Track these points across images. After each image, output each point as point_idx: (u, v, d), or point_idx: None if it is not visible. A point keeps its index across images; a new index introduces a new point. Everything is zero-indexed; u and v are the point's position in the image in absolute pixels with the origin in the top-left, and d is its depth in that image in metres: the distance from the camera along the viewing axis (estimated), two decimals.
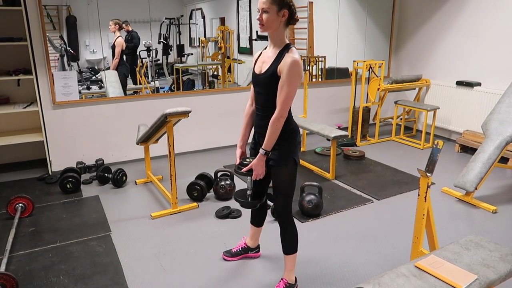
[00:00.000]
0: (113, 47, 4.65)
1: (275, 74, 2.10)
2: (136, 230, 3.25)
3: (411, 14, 6.02)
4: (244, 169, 2.25)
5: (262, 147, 2.19)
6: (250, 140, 2.49)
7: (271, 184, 2.40)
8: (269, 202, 2.79)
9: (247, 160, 2.30)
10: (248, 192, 2.38)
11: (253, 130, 2.42)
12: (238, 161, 2.34)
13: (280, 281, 2.46)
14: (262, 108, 2.23)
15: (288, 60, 2.05)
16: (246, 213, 3.40)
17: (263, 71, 2.18)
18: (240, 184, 4.03)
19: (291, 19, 2.12)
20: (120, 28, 4.57)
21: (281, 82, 2.08)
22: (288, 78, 2.06)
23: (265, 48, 2.27)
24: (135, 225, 3.33)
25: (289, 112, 2.21)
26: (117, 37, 4.62)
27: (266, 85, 2.16)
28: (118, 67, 4.74)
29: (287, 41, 2.15)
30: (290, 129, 2.22)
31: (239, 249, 2.78)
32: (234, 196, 2.42)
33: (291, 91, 2.08)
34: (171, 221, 3.41)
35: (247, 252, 2.78)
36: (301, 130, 4.35)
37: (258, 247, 2.80)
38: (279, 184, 2.29)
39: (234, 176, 3.92)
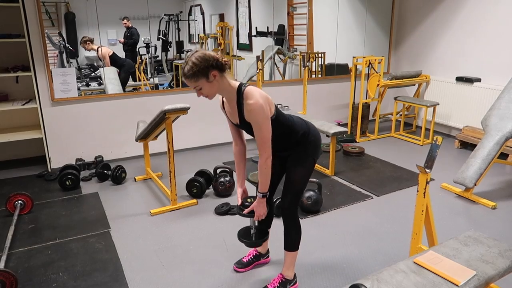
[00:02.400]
0: (101, 59, 4.63)
1: (247, 123, 2.10)
2: (135, 227, 3.25)
3: (411, 9, 6.00)
4: (245, 210, 2.28)
5: (258, 190, 2.21)
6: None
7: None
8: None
9: (248, 201, 2.32)
10: (252, 231, 2.41)
11: None
12: (239, 201, 2.37)
13: (277, 276, 2.46)
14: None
15: (247, 108, 2.03)
16: None
17: (238, 123, 2.19)
18: None
19: (222, 69, 2.02)
20: (92, 41, 4.48)
21: (253, 128, 2.09)
22: (256, 125, 2.05)
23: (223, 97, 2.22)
24: (134, 222, 3.33)
25: (290, 124, 2.22)
26: (98, 49, 4.54)
27: (249, 130, 2.16)
28: (121, 66, 4.74)
29: (235, 85, 2.08)
30: (300, 136, 2.24)
31: (250, 257, 2.71)
32: (238, 236, 2.44)
33: (264, 133, 2.06)
34: (171, 217, 3.41)
35: (259, 259, 2.72)
36: None
37: (268, 252, 2.76)
38: (292, 183, 2.30)
39: (234, 173, 3.91)
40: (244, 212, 2.29)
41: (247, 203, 2.30)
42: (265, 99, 2.05)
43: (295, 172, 2.28)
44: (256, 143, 2.12)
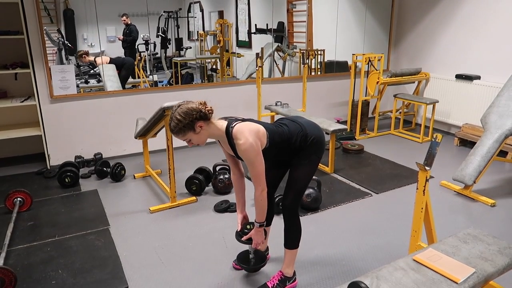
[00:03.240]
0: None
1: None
2: (134, 224, 3.25)
3: (411, 7, 5.99)
4: (244, 238, 2.34)
5: (256, 220, 2.25)
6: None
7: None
8: None
9: (248, 227, 2.38)
10: (251, 256, 2.49)
11: None
12: (239, 227, 2.42)
13: (276, 273, 2.46)
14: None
15: (239, 148, 2.06)
16: None
17: (235, 155, 2.22)
18: None
19: (207, 118, 2.07)
20: (88, 54, 4.51)
21: (246, 164, 2.12)
22: (248, 162, 2.08)
23: None
24: (133, 219, 3.33)
25: (286, 136, 2.22)
26: (95, 61, 4.57)
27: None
28: (122, 65, 4.73)
29: (223, 127, 2.12)
30: (299, 141, 2.23)
31: None
32: (237, 260, 2.56)
33: (256, 169, 2.09)
34: (170, 215, 3.41)
35: None
36: None
37: (267, 249, 2.77)
38: (295, 180, 2.31)
39: None
40: (242, 239, 2.36)
41: (246, 230, 2.37)
42: (254, 135, 2.07)
43: (299, 170, 2.29)
44: (251, 177, 2.16)
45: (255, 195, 2.18)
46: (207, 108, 2.07)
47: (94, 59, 4.53)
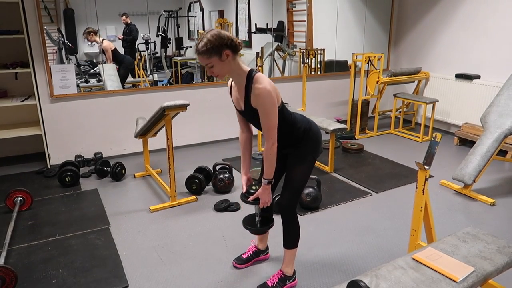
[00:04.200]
0: (103, 52, 4.61)
1: (253, 109, 2.09)
2: (135, 223, 3.25)
3: (411, 6, 5.99)
4: (250, 198, 2.27)
5: (264, 177, 2.20)
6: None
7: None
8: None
9: (253, 188, 2.32)
10: (257, 218, 2.41)
11: None
12: (244, 189, 2.36)
13: (276, 272, 2.47)
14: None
15: (255, 93, 2.02)
16: (245, 206, 3.41)
17: (242, 108, 2.18)
18: (239, 177, 4.03)
19: (236, 50, 2.03)
20: (96, 33, 4.45)
21: (259, 115, 2.07)
22: (263, 111, 2.04)
23: (232, 80, 2.22)
24: (134, 218, 3.33)
25: (293, 119, 2.21)
26: (101, 43, 4.53)
27: (254, 118, 2.16)
28: (121, 62, 4.73)
29: (247, 70, 2.08)
30: (301, 132, 2.23)
31: (250, 254, 2.71)
32: (243, 223, 2.46)
33: (271, 120, 2.06)
34: (170, 214, 3.41)
35: (259, 255, 2.72)
36: None
37: (267, 248, 2.77)
38: (292, 180, 2.29)
39: (233, 169, 3.92)
40: (249, 199, 2.28)
41: (252, 191, 2.29)
42: (273, 87, 2.05)
43: (295, 169, 2.28)
44: (262, 130, 2.11)
45: (265, 149, 2.12)
46: (238, 41, 2.04)
47: (102, 40, 4.50)
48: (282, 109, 2.14)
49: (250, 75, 2.06)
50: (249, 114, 2.17)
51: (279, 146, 2.19)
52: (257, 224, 2.41)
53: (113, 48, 4.62)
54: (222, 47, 1.97)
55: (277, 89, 2.10)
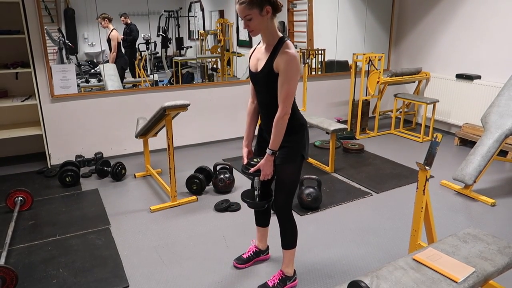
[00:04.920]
0: (109, 41, 4.61)
1: (272, 72, 2.05)
2: (135, 223, 3.25)
3: (411, 6, 5.99)
4: (252, 169, 2.20)
5: (269, 147, 2.14)
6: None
7: None
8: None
9: (255, 160, 2.24)
10: (256, 193, 2.33)
11: (257, 127, 2.38)
12: (245, 161, 2.30)
13: (277, 272, 2.47)
14: (266, 107, 2.19)
15: (283, 56, 1.99)
16: (245, 206, 3.40)
17: (259, 69, 2.13)
18: (240, 177, 4.03)
19: (276, 9, 2.03)
20: (111, 21, 4.46)
21: (280, 80, 2.03)
22: (286, 75, 2.00)
23: (259, 43, 2.21)
24: (134, 218, 3.34)
25: (295, 107, 2.19)
26: (111, 31, 4.55)
27: (265, 84, 2.12)
28: (116, 60, 4.72)
29: (280, 34, 2.08)
30: (298, 124, 2.20)
31: (250, 254, 2.70)
32: (241, 196, 2.39)
33: (291, 87, 2.03)
34: (170, 214, 3.41)
35: (259, 255, 2.72)
36: None
37: (267, 248, 2.76)
38: (283, 181, 2.26)
39: (233, 169, 3.92)
40: (250, 171, 2.21)
41: (253, 162, 2.23)
42: (299, 59, 2.05)
43: (285, 171, 2.23)
44: (278, 99, 2.06)
45: (277, 117, 2.07)
46: (280, 2, 2.05)
47: (112, 29, 4.50)
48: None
49: (283, 39, 2.07)
50: (263, 77, 2.12)
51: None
52: (256, 198, 2.33)
53: (119, 40, 4.62)
54: (264, 2, 1.98)
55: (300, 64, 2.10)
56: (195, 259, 2.77)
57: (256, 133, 2.44)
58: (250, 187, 2.50)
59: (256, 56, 2.18)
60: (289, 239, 2.39)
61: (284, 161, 2.20)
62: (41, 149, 4.42)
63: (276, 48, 2.05)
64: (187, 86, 5.00)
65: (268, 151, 2.15)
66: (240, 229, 3.15)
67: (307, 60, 5.53)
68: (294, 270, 2.48)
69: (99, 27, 4.42)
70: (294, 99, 2.15)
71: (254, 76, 2.20)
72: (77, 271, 2.61)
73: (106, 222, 3.27)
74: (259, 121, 2.38)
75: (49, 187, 3.94)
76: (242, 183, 3.95)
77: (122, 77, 4.80)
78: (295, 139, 2.19)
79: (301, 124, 2.22)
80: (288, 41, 2.06)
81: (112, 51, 4.63)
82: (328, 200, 3.60)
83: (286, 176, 2.24)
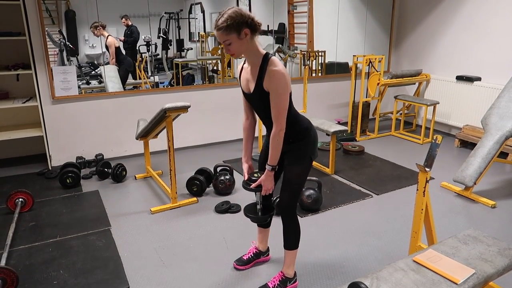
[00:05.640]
0: (107, 48, 4.61)
1: (263, 92, 2.07)
2: (135, 225, 3.26)
3: (411, 8, 6.00)
4: (253, 185, 2.24)
5: (268, 162, 2.18)
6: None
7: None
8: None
9: (255, 175, 2.29)
10: (258, 207, 2.38)
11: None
12: (246, 177, 2.34)
13: (277, 273, 2.47)
14: (268, 120, 2.20)
15: (270, 74, 2.01)
16: None
17: (251, 91, 2.15)
18: (240, 179, 4.03)
19: (255, 29, 2.02)
20: (104, 27, 4.44)
21: (271, 98, 2.05)
22: (276, 93, 2.03)
23: (244, 62, 2.21)
24: (134, 220, 3.34)
25: (295, 113, 2.21)
26: (107, 38, 4.54)
27: (261, 103, 2.14)
28: (121, 62, 4.73)
29: (263, 52, 2.08)
30: (303, 129, 2.23)
31: (250, 255, 2.71)
32: (244, 211, 2.43)
33: (282, 104, 2.05)
34: (171, 215, 3.42)
35: (259, 257, 2.72)
36: None
37: (268, 250, 2.77)
38: (289, 181, 2.28)
39: (234, 171, 3.93)
40: (251, 186, 2.25)
41: (254, 178, 2.26)
42: (286, 73, 2.05)
43: (293, 171, 2.27)
44: (272, 115, 2.08)
45: (272, 133, 2.11)
46: (258, 21, 2.04)
47: (107, 36, 4.50)
48: (290, 99, 2.14)
49: (266, 57, 2.06)
50: (257, 97, 2.14)
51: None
52: (258, 212, 2.38)
53: (117, 45, 4.63)
54: (242, 25, 1.97)
55: (289, 77, 2.09)
56: (196, 261, 2.77)
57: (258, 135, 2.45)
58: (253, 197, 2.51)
59: (245, 77, 2.19)
60: (291, 240, 2.39)
61: (292, 162, 2.25)
62: (42, 150, 4.42)
63: (262, 67, 2.06)
64: (187, 88, 5.01)
65: (267, 167, 2.19)
66: (240, 230, 3.15)
67: (308, 62, 5.54)
68: (295, 271, 2.48)
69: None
70: (292, 106, 2.18)
71: (248, 97, 2.23)
72: (78, 273, 2.61)
73: (107, 223, 3.27)
74: (260, 128, 2.40)
75: (49, 188, 3.94)
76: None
77: (126, 78, 4.81)
78: (302, 144, 2.24)
79: (305, 128, 2.24)
80: (273, 58, 2.06)
81: (111, 58, 4.64)
82: (328, 202, 3.60)
83: (293, 176, 2.27)
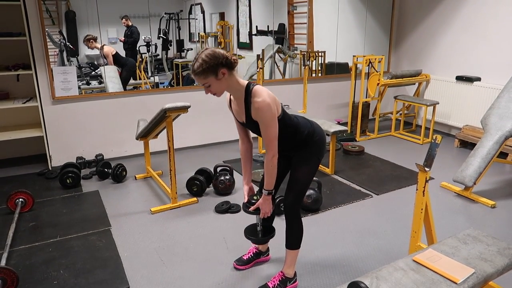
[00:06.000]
0: (105, 57, 4.62)
1: (255, 121, 2.11)
2: (136, 225, 3.26)
3: (411, 9, 6.00)
4: (252, 208, 2.30)
5: (264, 187, 2.22)
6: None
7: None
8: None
9: (255, 198, 2.35)
10: (258, 228, 2.44)
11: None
12: (246, 199, 2.39)
13: (277, 273, 2.47)
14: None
15: (255, 106, 2.03)
16: None
17: (244, 121, 2.19)
18: (240, 179, 4.03)
19: (231, 67, 2.03)
20: (96, 39, 4.47)
21: (260, 127, 2.09)
22: (263, 123, 2.06)
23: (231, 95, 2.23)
24: (135, 220, 3.34)
25: (295, 124, 2.22)
26: (102, 47, 4.55)
27: (256, 130, 2.17)
28: (123, 65, 4.74)
29: (245, 83, 2.09)
30: (305, 136, 2.24)
31: (250, 255, 2.71)
32: (244, 233, 2.49)
33: (271, 133, 2.08)
34: (171, 216, 3.42)
35: (259, 257, 2.73)
36: None
37: (268, 249, 2.78)
38: (296, 180, 2.30)
39: (234, 171, 3.93)
40: (250, 209, 2.31)
41: (253, 201, 2.32)
42: (272, 99, 2.06)
43: (300, 170, 2.29)
44: (263, 142, 2.13)
45: (266, 160, 2.14)
46: (233, 58, 2.04)
47: (101, 46, 4.51)
48: (283, 117, 2.16)
49: (248, 89, 2.08)
50: (251, 126, 2.19)
51: (284, 149, 2.22)
52: (259, 234, 2.44)
53: (114, 52, 4.63)
54: (217, 66, 1.98)
55: (277, 99, 2.11)
56: (196, 261, 2.77)
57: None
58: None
59: (235, 108, 2.22)
60: (294, 239, 2.40)
61: (299, 163, 2.28)
62: (42, 151, 4.43)
63: (247, 100, 2.08)
64: (187, 88, 5.01)
65: (264, 191, 2.24)
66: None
67: (307, 62, 5.54)
68: (295, 271, 2.48)
69: (100, 29, 4.43)
70: (291, 118, 2.21)
71: (243, 125, 2.26)
72: (78, 273, 2.61)
73: (107, 223, 3.27)
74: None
75: (49, 188, 3.95)
76: (242, 185, 3.95)
77: (129, 79, 4.82)
78: (308, 147, 2.27)
79: (308, 134, 2.25)
80: (255, 89, 2.06)
81: (110, 65, 4.66)
82: (328, 202, 3.60)
83: (300, 175, 2.30)
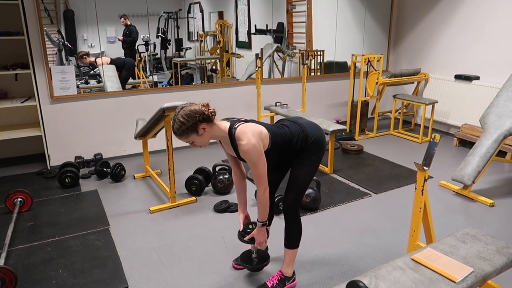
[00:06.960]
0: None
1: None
2: (134, 224, 3.26)
3: (410, 7, 6.00)
4: (247, 237, 2.37)
5: (258, 219, 2.27)
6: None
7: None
8: None
9: (250, 227, 2.39)
10: (253, 256, 2.50)
11: None
12: (241, 227, 2.44)
13: (276, 273, 2.47)
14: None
15: (241, 149, 2.07)
16: None
17: (237, 156, 2.23)
18: None
19: (210, 119, 2.07)
20: (88, 55, 4.53)
21: (249, 165, 2.14)
22: (251, 162, 2.10)
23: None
24: (133, 219, 3.34)
25: (288, 139, 2.23)
26: (95, 62, 4.60)
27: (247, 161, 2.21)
28: (122, 67, 4.74)
29: (226, 127, 2.12)
30: (300, 143, 2.24)
31: None
32: (240, 261, 2.56)
33: (259, 169, 2.11)
34: (170, 215, 3.42)
35: None
36: None
37: (266, 249, 2.76)
38: (296, 180, 2.32)
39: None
40: (245, 238, 2.37)
41: (248, 230, 2.38)
42: (257, 136, 2.08)
43: (300, 170, 2.30)
44: (253, 177, 2.18)
45: (258, 195, 2.19)
46: (210, 110, 2.07)
47: (95, 60, 4.54)
48: (275, 141, 2.18)
49: (231, 133, 2.10)
50: (243, 159, 2.22)
51: (282, 160, 2.28)
52: (254, 262, 2.50)
53: (108, 61, 4.65)
54: (196, 125, 2.03)
55: (263, 132, 2.13)
56: (194, 260, 2.77)
57: None
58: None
59: (225, 147, 2.25)
60: (293, 238, 2.41)
61: (299, 163, 2.29)
62: (41, 150, 4.42)
63: (233, 143, 2.13)
64: (186, 87, 5.01)
65: (258, 223, 2.29)
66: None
67: (306, 61, 5.54)
68: (294, 270, 2.48)
69: (98, 28, 4.42)
70: (281, 131, 2.23)
71: (237, 157, 2.27)
72: (77, 272, 2.61)
73: (106, 223, 3.27)
74: None
75: (48, 188, 3.94)
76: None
77: (128, 79, 4.82)
78: (306, 152, 2.28)
79: (302, 139, 2.24)
80: (237, 131, 2.09)
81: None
82: (327, 201, 3.60)
83: (300, 175, 2.31)
